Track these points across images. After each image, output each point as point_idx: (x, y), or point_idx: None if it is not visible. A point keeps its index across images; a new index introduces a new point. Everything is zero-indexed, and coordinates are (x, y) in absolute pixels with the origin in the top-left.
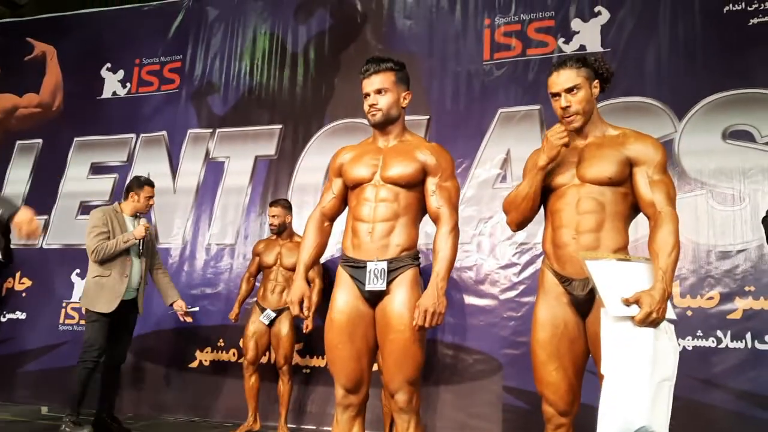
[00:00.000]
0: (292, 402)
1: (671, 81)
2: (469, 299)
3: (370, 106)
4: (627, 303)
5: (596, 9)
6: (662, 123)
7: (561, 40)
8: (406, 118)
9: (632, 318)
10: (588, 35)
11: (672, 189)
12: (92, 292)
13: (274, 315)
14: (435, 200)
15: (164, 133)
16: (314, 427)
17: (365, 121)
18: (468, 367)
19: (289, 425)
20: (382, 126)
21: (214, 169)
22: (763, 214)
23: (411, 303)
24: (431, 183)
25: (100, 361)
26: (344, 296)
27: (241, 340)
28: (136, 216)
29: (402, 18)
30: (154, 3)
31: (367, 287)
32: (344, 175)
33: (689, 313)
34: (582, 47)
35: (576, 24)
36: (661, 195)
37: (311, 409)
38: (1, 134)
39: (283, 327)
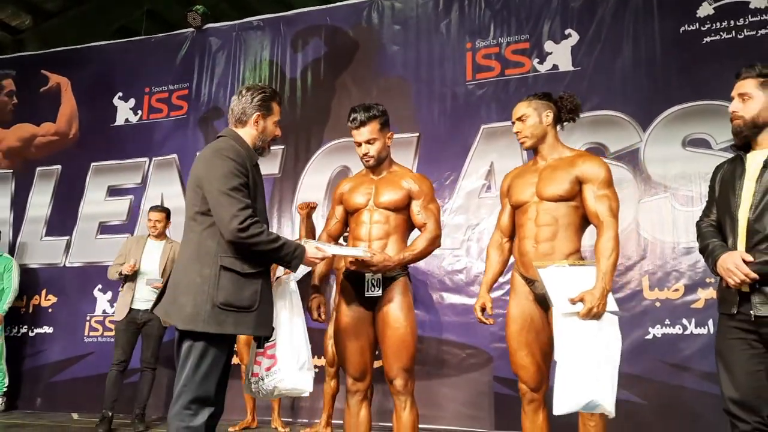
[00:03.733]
0: (282, 399)
1: (635, 96)
2: (461, 299)
3: (364, 154)
4: (572, 301)
5: (567, 31)
6: (628, 134)
7: (536, 60)
8: (397, 136)
9: (578, 313)
10: (560, 56)
11: (614, 202)
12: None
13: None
14: (421, 217)
15: (175, 156)
16: (306, 420)
17: None
18: (461, 361)
19: (282, 419)
20: (375, 167)
21: None
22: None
23: (403, 305)
24: (416, 205)
25: (123, 363)
26: (347, 303)
27: (235, 344)
28: (158, 236)
29: (391, 44)
30: (161, 35)
31: (366, 294)
32: (345, 203)
33: (658, 304)
34: (555, 66)
35: (549, 46)
36: (603, 207)
37: (303, 404)
38: (21, 162)
39: None
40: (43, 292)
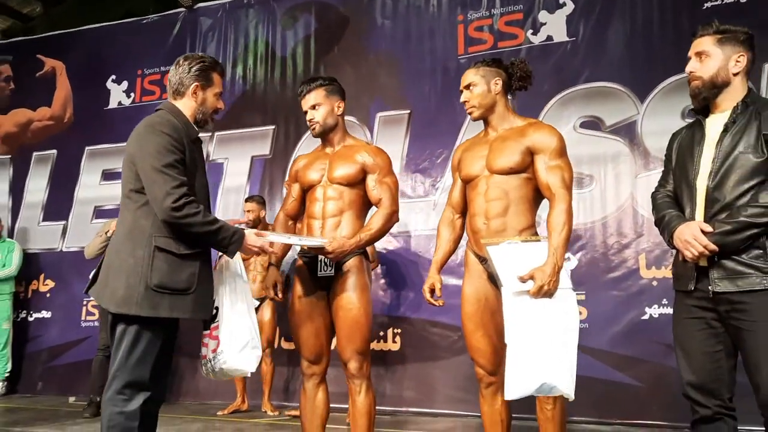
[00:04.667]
0: (275, 382)
1: (632, 66)
2: (452, 280)
3: (309, 121)
4: (522, 279)
5: (561, 1)
6: (625, 106)
7: (529, 32)
8: (388, 113)
9: (528, 292)
10: (554, 26)
11: (567, 173)
12: None
13: (257, 303)
14: (377, 192)
15: None
16: (297, 404)
17: (352, 118)
18: (452, 344)
19: (273, 402)
20: (323, 135)
21: (214, 171)
22: None
23: (357, 285)
24: (371, 179)
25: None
26: (302, 284)
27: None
28: None
29: (381, 18)
30: (153, 16)
31: (319, 274)
32: (299, 180)
33: (654, 283)
34: (549, 37)
35: (543, 16)
36: (555, 178)
37: (294, 387)
38: (18, 147)
39: (266, 314)
40: (41, 277)
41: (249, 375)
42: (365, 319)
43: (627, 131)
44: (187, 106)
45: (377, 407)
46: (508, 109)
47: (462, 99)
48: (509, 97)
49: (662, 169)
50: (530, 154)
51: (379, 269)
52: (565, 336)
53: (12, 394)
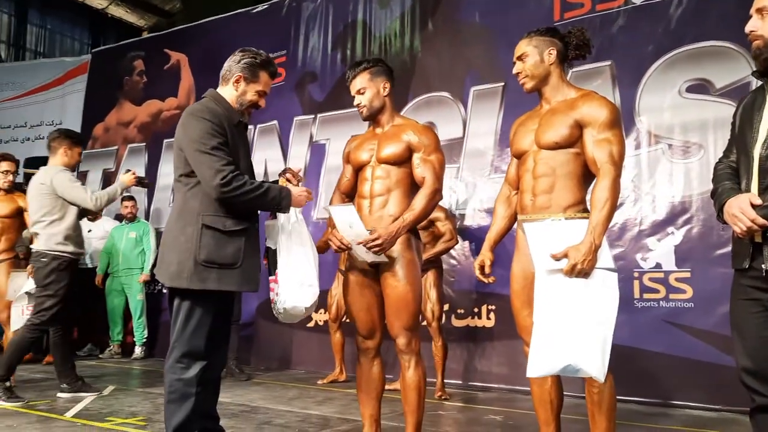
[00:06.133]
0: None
1: (746, 21)
2: None
3: (357, 105)
4: (556, 258)
5: None
6: (738, 66)
7: None
8: (480, 87)
9: (562, 270)
10: None
11: (617, 147)
12: None
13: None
14: (420, 170)
15: (275, 122)
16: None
17: (446, 94)
18: None
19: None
20: (372, 117)
21: (317, 151)
22: None
23: (403, 262)
24: (416, 158)
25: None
26: (354, 260)
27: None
28: None
29: None
30: (261, 6)
31: None
32: (351, 161)
33: None
34: None
35: None
36: (602, 153)
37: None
38: (151, 135)
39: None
40: None
41: (303, 311)
42: (412, 295)
43: (739, 94)
44: (228, 93)
45: (469, 382)
46: (563, 81)
47: (514, 70)
48: (565, 66)
49: None
50: (579, 127)
51: (469, 245)
52: (599, 317)
53: (149, 357)
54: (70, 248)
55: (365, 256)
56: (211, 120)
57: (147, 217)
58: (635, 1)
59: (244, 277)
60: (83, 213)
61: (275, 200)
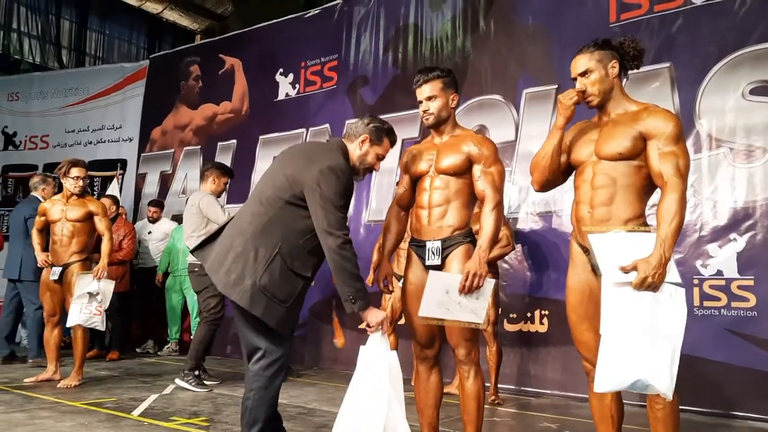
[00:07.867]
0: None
1: None
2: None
3: (424, 111)
4: (625, 270)
5: None
6: None
7: None
8: (533, 89)
9: (631, 283)
10: None
11: (683, 160)
12: None
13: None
14: (481, 184)
15: (327, 125)
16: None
17: (498, 97)
18: None
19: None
20: (436, 127)
21: None
22: None
23: (462, 271)
24: (477, 170)
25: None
26: (413, 270)
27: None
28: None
29: None
30: (314, 10)
31: (427, 263)
32: (409, 171)
33: None
34: None
35: None
36: (668, 166)
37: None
38: (206, 138)
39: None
40: None
41: None
42: None
43: None
44: (353, 150)
45: (522, 387)
46: (623, 93)
47: (578, 87)
48: (622, 77)
49: None
50: (643, 140)
51: (520, 249)
52: (668, 332)
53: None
54: None
55: (464, 315)
56: (347, 183)
57: None
58: (695, 1)
59: (286, 317)
60: None
61: (354, 289)
